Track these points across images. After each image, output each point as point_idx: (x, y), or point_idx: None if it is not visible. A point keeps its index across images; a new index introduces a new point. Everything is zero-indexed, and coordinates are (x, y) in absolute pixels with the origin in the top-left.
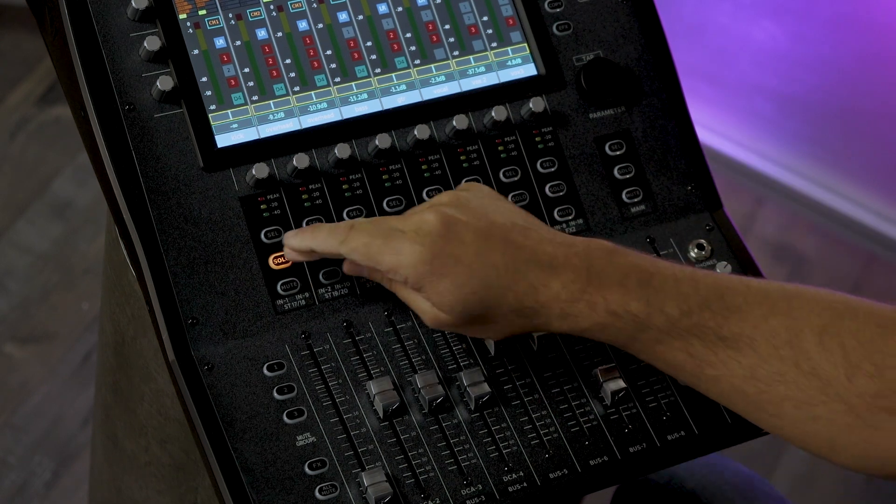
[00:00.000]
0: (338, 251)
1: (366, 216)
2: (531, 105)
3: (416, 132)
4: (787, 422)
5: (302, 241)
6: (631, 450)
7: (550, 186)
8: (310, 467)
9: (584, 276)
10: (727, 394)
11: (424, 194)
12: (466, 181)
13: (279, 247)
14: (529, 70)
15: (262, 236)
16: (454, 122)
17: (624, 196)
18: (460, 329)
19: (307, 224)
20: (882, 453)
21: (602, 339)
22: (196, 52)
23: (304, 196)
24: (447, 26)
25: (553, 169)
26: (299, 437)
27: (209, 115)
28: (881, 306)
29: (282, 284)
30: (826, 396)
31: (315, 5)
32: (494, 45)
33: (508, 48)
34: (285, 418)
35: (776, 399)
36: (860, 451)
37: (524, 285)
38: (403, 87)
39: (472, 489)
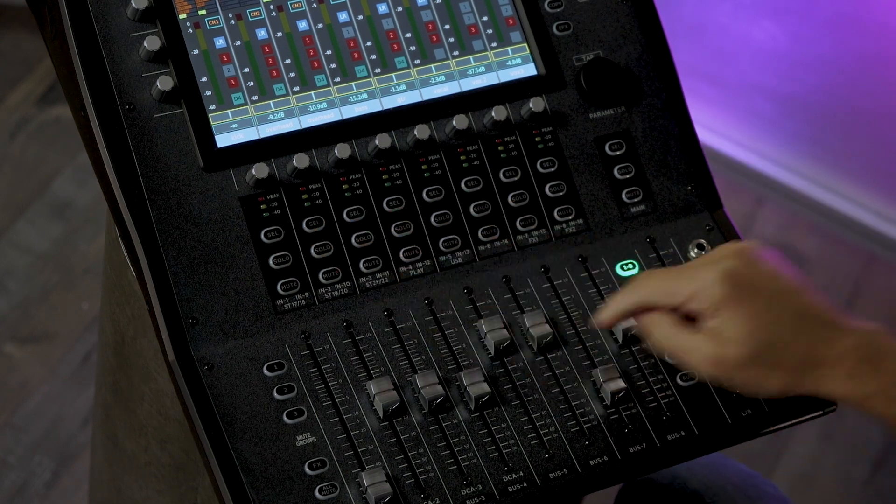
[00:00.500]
0: (639, 300)
1: (366, 216)
2: (531, 105)
3: (416, 132)
4: None
5: (609, 312)
6: (631, 450)
7: (550, 186)
8: (310, 467)
9: (872, 344)
10: None
11: (424, 194)
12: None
13: (279, 246)
14: (529, 70)
15: (262, 236)
16: (454, 122)
17: (624, 196)
18: (742, 372)
19: (307, 225)
20: None
21: (885, 412)
22: (196, 52)
23: (304, 196)
24: (447, 26)
25: (553, 169)
26: (299, 437)
27: (209, 115)
28: None
29: (282, 284)
30: None
31: (315, 5)
32: (494, 45)
33: (508, 48)
34: (285, 418)
35: None
36: None
37: (815, 334)
38: (403, 86)
39: (472, 489)
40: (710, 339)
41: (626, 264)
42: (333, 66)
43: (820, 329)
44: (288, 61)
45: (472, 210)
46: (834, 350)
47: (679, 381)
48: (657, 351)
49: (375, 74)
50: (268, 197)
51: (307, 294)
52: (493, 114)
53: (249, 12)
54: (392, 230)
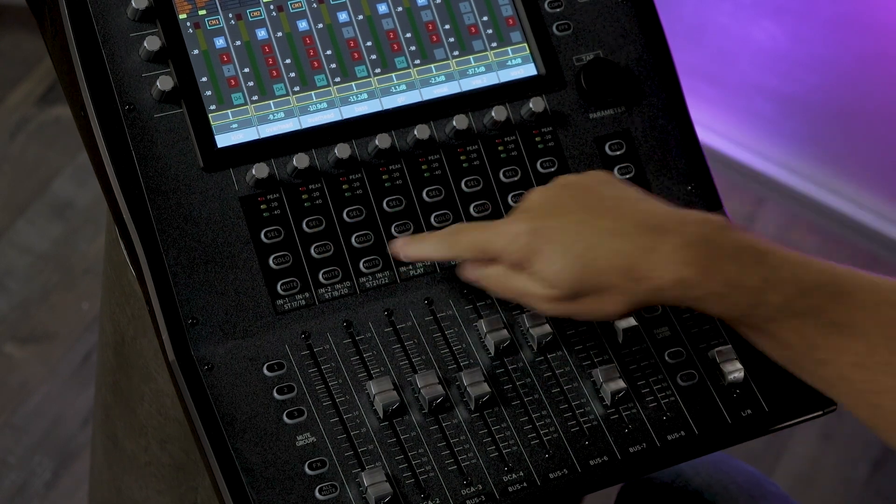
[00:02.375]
0: (450, 255)
1: (366, 216)
2: (531, 105)
3: (416, 132)
4: (885, 414)
5: (417, 251)
6: (631, 450)
7: None
8: (310, 467)
9: (700, 244)
10: (831, 380)
11: (424, 194)
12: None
13: (279, 246)
14: (529, 70)
15: (262, 236)
16: (454, 122)
17: None
18: (576, 307)
19: (307, 225)
20: None
21: (714, 312)
22: (196, 52)
23: (304, 196)
24: (447, 26)
25: (553, 169)
26: (299, 437)
27: (209, 115)
28: None
29: (282, 284)
30: None
31: (315, 5)
32: (494, 45)
33: (508, 48)
34: (285, 418)
35: (879, 389)
36: None
37: (634, 247)
38: (403, 86)
39: (473, 489)
40: (536, 281)
41: None
42: (333, 66)
43: (638, 239)
44: (288, 61)
45: (472, 210)
46: (656, 258)
47: (679, 381)
48: (497, 296)
49: (375, 74)
50: (268, 197)
51: (307, 294)
52: (493, 114)
53: (249, 12)
54: (392, 230)
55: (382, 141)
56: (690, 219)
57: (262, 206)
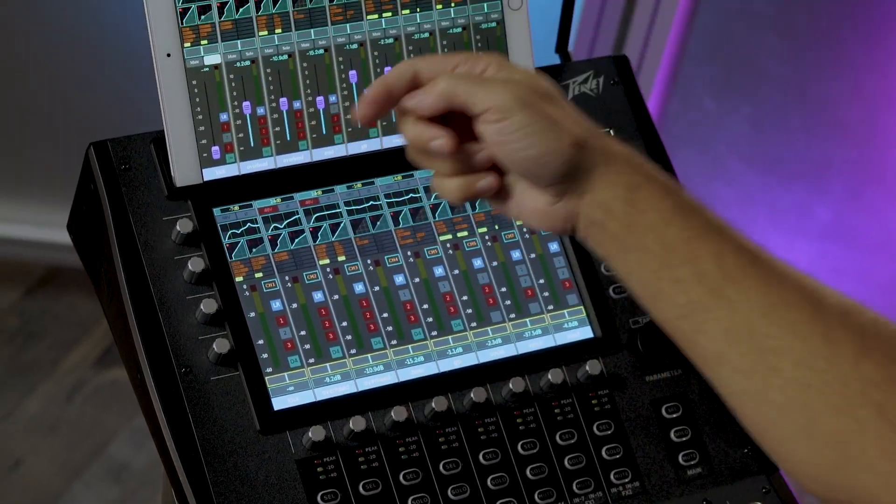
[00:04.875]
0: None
1: (422, 479)
2: (588, 368)
3: (472, 395)
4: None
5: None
6: None
7: (607, 449)
8: None
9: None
10: (734, 328)
11: (481, 457)
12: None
13: None
14: (586, 333)
15: (319, 499)
16: (511, 385)
17: (680, 459)
18: (534, 108)
19: (363, 487)
20: (845, 458)
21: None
22: (252, 314)
23: (361, 459)
24: (503, 289)
25: (609, 432)
26: None
27: (265, 378)
28: None
29: None
30: (828, 364)
31: (372, 268)
32: (551, 307)
33: (565, 311)
34: None
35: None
36: (831, 441)
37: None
38: (460, 349)
39: None
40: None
41: None
42: (390, 328)
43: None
44: (344, 324)
45: (528, 473)
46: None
47: None
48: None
49: (432, 337)
50: (324, 460)
51: None
52: (549, 377)
53: (306, 275)
54: (449, 493)
55: (439, 404)
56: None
57: (319, 469)
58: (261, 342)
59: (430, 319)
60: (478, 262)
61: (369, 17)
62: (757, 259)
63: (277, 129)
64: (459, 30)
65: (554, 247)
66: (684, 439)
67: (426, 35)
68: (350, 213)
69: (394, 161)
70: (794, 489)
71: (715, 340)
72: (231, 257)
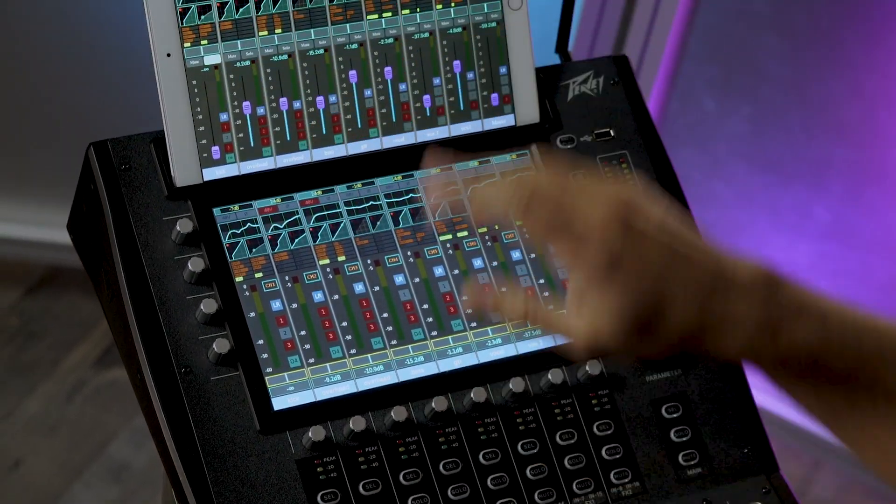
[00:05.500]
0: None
1: (422, 479)
2: (588, 368)
3: (472, 395)
4: None
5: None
6: None
7: (607, 449)
8: None
9: (765, 305)
10: (870, 459)
11: (481, 457)
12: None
13: None
14: None
15: (319, 499)
16: (511, 385)
17: (680, 458)
18: (618, 345)
19: (363, 488)
20: None
21: (767, 374)
22: (252, 314)
23: (361, 459)
24: (504, 289)
25: (609, 432)
26: None
27: (266, 378)
28: None
29: None
30: None
31: (372, 268)
32: (551, 307)
33: (565, 311)
34: None
35: None
36: None
37: (708, 291)
38: (460, 349)
39: None
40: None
41: None
42: (390, 328)
43: (712, 284)
44: (345, 324)
45: (528, 473)
46: (731, 307)
47: None
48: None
49: (432, 337)
50: (324, 460)
51: None
52: (549, 377)
53: (306, 275)
54: (449, 493)
55: (439, 404)
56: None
57: (319, 469)
58: (261, 342)
59: (430, 319)
60: (478, 262)
61: (369, 17)
62: None
63: (277, 129)
64: (459, 30)
65: None
66: (684, 439)
67: (426, 35)
68: (350, 213)
69: (394, 161)
70: (793, 489)
71: None
72: (231, 257)
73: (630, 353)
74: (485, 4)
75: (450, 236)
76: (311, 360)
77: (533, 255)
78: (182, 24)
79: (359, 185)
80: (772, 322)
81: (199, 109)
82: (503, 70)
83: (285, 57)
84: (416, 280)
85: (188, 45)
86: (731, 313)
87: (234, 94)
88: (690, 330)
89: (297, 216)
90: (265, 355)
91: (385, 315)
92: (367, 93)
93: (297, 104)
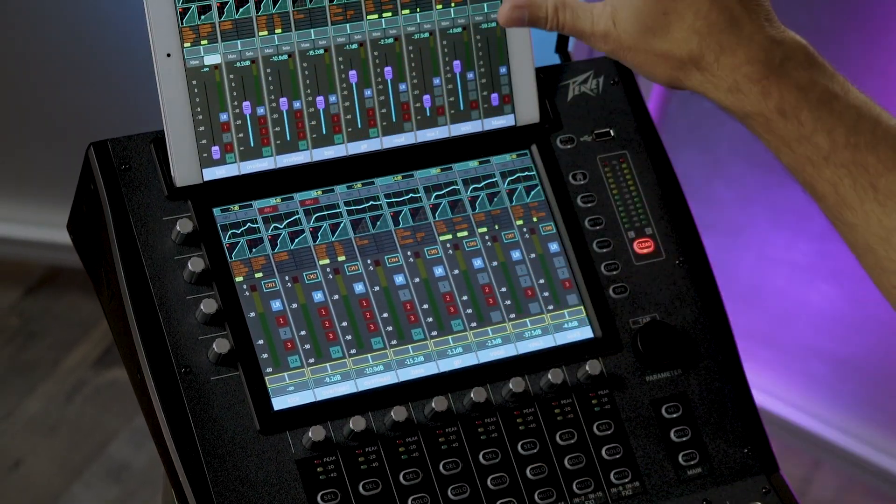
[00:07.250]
0: None
1: (422, 479)
2: (588, 368)
3: (472, 395)
4: None
5: None
6: None
7: (607, 449)
8: None
9: (773, 64)
10: (857, 246)
11: (481, 457)
12: None
13: None
14: (586, 333)
15: (319, 499)
16: (511, 385)
17: (680, 458)
18: (629, 53)
19: (363, 488)
20: None
21: (757, 132)
22: (252, 314)
23: (361, 459)
24: (504, 289)
25: (609, 432)
26: None
27: (266, 378)
28: None
29: None
30: None
31: (372, 268)
32: (551, 307)
33: (565, 311)
34: None
35: None
36: None
37: (713, 39)
38: (460, 349)
39: None
40: (608, 13)
41: None
42: (390, 328)
43: (721, 33)
44: (344, 324)
45: (528, 473)
46: (724, 59)
47: None
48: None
49: (432, 337)
50: (324, 460)
51: None
52: (549, 377)
53: (306, 275)
54: (449, 493)
55: (439, 404)
56: (780, 39)
57: (319, 469)
58: (261, 342)
59: (430, 319)
60: (478, 262)
61: (369, 17)
62: None
63: (277, 129)
64: (459, 30)
65: (554, 247)
66: (684, 439)
67: (426, 35)
68: (350, 213)
69: (394, 161)
70: (793, 489)
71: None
72: (231, 257)
73: (638, 69)
74: (485, 4)
75: (450, 236)
76: (311, 360)
77: (533, 255)
78: (182, 24)
79: (359, 185)
80: (766, 81)
81: (199, 109)
82: (503, 70)
83: (285, 57)
84: (416, 280)
85: (188, 45)
86: (728, 61)
87: (234, 94)
88: (681, 65)
89: (297, 216)
90: (265, 355)
91: (385, 315)
92: (367, 93)
93: (297, 104)
